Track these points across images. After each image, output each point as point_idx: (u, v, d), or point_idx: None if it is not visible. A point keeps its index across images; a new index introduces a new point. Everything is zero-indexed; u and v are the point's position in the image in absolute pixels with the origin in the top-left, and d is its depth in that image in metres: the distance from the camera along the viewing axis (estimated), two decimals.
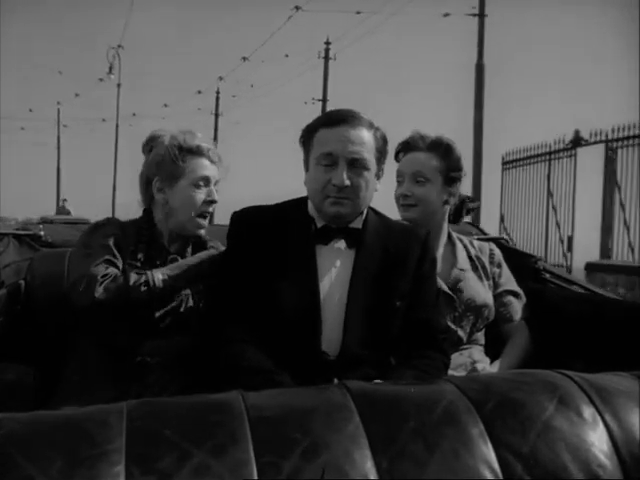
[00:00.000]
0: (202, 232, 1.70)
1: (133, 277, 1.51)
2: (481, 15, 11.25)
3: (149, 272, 1.54)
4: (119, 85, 22.39)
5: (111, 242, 1.59)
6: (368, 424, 0.66)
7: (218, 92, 25.04)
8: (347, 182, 1.37)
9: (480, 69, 11.18)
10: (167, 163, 1.64)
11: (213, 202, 1.67)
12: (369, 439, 0.65)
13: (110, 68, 21.25)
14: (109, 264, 1.54)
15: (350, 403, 0.69)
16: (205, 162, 1.67)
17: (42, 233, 2.19)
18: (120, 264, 1.57)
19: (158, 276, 1.54)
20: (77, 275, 1.52)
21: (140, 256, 1.61)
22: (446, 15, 12.82)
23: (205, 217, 1.67)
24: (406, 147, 1.87)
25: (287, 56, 21.40)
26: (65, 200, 17.93)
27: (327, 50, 19.94)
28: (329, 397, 0.71)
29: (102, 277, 1.49)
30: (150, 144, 1.72)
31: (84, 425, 0.64)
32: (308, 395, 0.73)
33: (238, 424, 0.65)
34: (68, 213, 15.72)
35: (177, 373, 1.51)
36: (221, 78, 23.81)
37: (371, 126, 1.43)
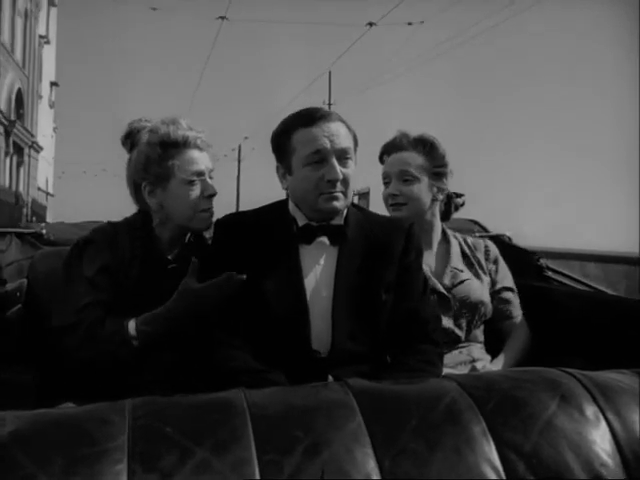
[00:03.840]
0: (207, 227, 1.54)
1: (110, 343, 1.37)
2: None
3: (124, 324, 1.39)
4: None
5: (98, 269, 1.42)
6: (370, 422, 0.66)
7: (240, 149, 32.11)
8: (341, 175, 1.39)
9: None
10: (152, 164, 1.47)
11: (212, 195, 1.51)
12: (371, 437, 0.65)
13: None
14: (91, 307, 1.39)
15: (352, 401, 0.69)
16: (194, 154, 1.49)
17: (44, 231, 2.19)
18: (108, 295, 1.42)
19: (132, 329, 1.39)
20: (61, 322, 1.39)
21: (134, 273, 1.46)
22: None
23: (208, 213, 1.52)
24: (390, 148, 1.88)
25: None
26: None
27: None
28: (331, 395, 0.71)
29: (85, 332, 1.36)
30: (130, 139, 1.55)
31: (86, 423, 0.64)
32: (310, 393, 0.73)
33: (240, 422, 0.64)
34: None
35: (174, 385, 1.44)
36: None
37: (341, 118, 1.45)
